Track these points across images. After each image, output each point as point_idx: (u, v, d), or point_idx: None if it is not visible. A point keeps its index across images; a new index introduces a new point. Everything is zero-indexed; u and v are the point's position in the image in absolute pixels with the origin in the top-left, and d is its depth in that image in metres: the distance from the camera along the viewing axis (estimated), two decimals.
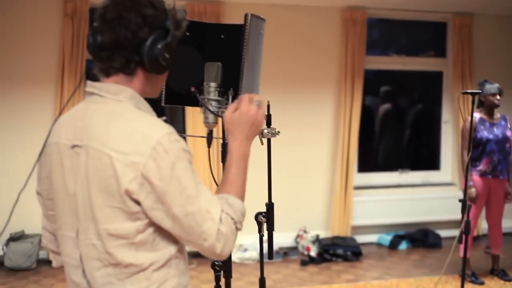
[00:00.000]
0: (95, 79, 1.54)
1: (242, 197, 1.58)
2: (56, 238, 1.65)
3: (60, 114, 1.61)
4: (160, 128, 1.43)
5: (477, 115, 4.92)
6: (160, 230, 1.45)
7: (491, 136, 4.86)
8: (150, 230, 1.44)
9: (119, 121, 1.44)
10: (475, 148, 4.90)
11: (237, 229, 1.51)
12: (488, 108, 4.91)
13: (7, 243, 5.22)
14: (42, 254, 5.42)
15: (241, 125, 1.64)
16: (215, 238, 1.43)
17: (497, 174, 4.92)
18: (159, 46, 1.48)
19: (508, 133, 4.94)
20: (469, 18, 6.34)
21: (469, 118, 3.72)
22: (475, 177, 4.94)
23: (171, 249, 1.49)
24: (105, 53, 1.49)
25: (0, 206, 5.04)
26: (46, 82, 5.45)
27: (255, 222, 2.34)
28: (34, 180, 1.61)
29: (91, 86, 1.53)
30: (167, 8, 1.53)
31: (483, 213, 5.16)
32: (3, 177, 5.37)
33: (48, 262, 5.38)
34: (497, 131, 4.90)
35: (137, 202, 1.40)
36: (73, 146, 1.48)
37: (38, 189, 1.64)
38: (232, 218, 1.49)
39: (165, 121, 1.51)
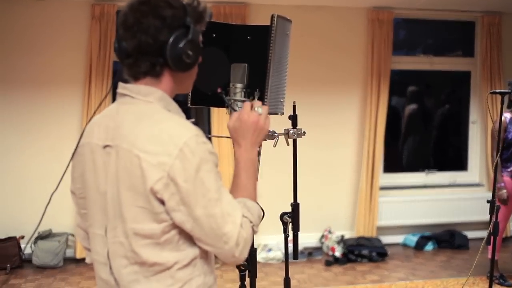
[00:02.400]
0: (125, 82, 1.57)
1: (256, 200, 1.61)
2: (88, 235, 1.69)
3: (92, 116, 1.65)
4: (187, 130, 1.45)
5: (507, 115, 4.84)
6: (185, 231, 1.47)
7: None
8: (175, 230, 1.46)
9: (148, 122, 1.47)
10: (506, 149, 4.83)
11: (254, 232, 1.53)
12: None
13: (35, 242, 5.31)
14: (69, 253, 5.50)
15: (243, 133, 1.66)
16: (235, 241, 1.44)
17: None
18: (181, 45, 1.49)
19: None
20: (498, 17, 6.24)
21: (501, 118, 3.66)
22: (506, 178, 4.86)
23: (196, 249, 1.51)
24: (130, 60, 1.52)
25: (29, 205, 5.18)
26: (74, 84, 5.53)
27: (280, 222, 2.35)
28: (63, 181, 1.64)
29: (122, 87, 1.56)
30: (186, 2, 1.53)
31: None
32: (32, 178, 5.46)
33: (74, 260, 5.46)
34: None
35: (162, 202, 1.42)
36: (105, 146, 1.51)
37: (71, 188, 1.68)
38: (251, 222, 1.51)
39: (193, 123, 1.53)
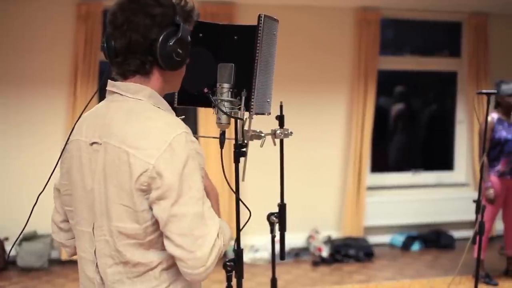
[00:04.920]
0: (112, 78, 1.57)
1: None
2: (60, 229, 1.75)
3: (82, 113, 1.64)
4: (178, 127, 1.46)
5: (495, 116, 4.88)
6: None
7: (509, 136, 4.81)
8: (159, 231, 1.45)
9: (138, 119, 1.47)
10: (494, 149, 4.87)
11: (221, 253, 1.48)
12: (505, 108, 4.86)
13: (19, 243, 5.24)
14: (54, 254, 5.45)
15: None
16: (211, 248, 1.41)
17: None
18: (171, 43, 1.49)
19: None
20: (484, 18, 6.28)
21: (487, 118, 3.69)
22: (493, 177, 4.89)
23: None
24: (119, 59, 1.52)
25: (14, 206, 5.12)
26: (59, 84, 5.47)
27: (267, 222, 2.34)
28: (49, 182, 1.63)
29: (112, 85, 1.56)
30: (175, 1, 1.54)
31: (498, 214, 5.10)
32: (16, 178, 5.40)
33: (59, 262, 5.41)
34: None
35: (146, 197, 1.41)
36: (92, 143, 1.51)
37: (56, 183, 1.68)
38: (223, 240, 1.49)
39: (183, 120, 1.54)
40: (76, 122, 1.61)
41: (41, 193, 1.63)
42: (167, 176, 1.39)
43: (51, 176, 1.63)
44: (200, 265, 1.41)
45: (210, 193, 1.65)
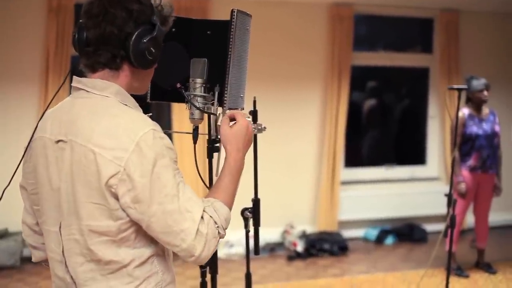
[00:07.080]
0: (81, 75, 1.54)
1: (230, 205, 1.58)
2: (34, 232, 1.69)
3: (46, 109, 1.61)
4: (145, 124, 1.44)
5: (466, 111, 4.95)
6: (142, 228, 1.45)
7: (480, 132, 4.89)
8: (132, 228, 1.45)
9: (104, 116, 1.44)
10: (465, 144, 4.94)
11: (219, 234, 1.49)
12: (476, 104, 4.94)
13: None
14: (26, 252, 5.35)
15: (243, 138, 1.69)
16: (194, 238, 1.41)
17: (486, 169, 4.96)
18: (145, 40, 1.48)
19: (497, 128, 4.99)
20: (456, 14, 6.36)
21: (459, 114, 3.73)
22: (465, 172, 4.96)
23: (153, 247, 1.50)
24: (91, 49, 1.49)
25: None
26: (30, 79, 5.37)
27: (241, 217, 2.34)
28: (18, 177, 1.60)
29: (77, 81, 1.53)
30: (154, 3, 1.53)
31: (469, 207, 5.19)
32: None
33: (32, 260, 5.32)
34: (486, 126, 4.93)
35: (117, 198, 1.40)
36: (58, 141, 1.48)
37: (22, 182, 1.64)
38: (215, 222, 1.47)
39: (151, 117, 1.52)
40: (40, 119, 1.58)
41: (6, 188, 1.60)
42: (138, 179, 1.38)
43: (16, 172, 1.59)
44: (190, 255, 1.43)
45: (233, 168, 1.64)
